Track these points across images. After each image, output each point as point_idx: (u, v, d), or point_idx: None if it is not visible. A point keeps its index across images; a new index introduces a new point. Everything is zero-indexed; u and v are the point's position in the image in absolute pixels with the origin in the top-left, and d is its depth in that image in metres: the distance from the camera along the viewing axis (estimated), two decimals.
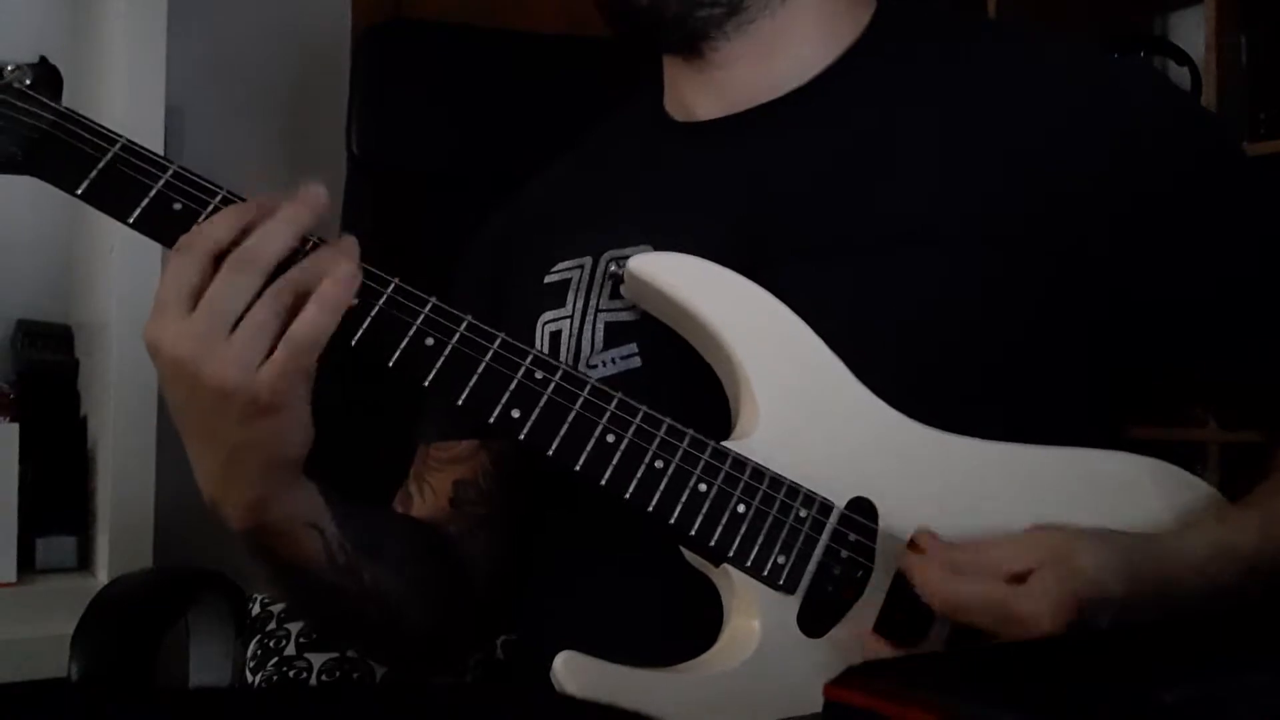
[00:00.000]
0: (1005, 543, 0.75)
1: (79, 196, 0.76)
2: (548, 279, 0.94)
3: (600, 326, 0.89)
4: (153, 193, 0.76)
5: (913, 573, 0.75)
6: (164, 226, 0.75)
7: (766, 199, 0.88)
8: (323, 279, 0.73)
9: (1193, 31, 1.94)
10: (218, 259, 0.72)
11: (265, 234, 0.73)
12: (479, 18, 1.54)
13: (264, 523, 0.77)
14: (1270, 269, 0.86)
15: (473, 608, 0.95)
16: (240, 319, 0.71)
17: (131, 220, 0.76)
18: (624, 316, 0.88)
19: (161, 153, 0.78)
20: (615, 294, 0.89)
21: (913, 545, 0.77)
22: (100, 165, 0.76)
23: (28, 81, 0.80)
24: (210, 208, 0.76)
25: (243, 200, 0.76)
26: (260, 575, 0.83)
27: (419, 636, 0.92)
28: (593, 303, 0.90)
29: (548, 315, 0.92)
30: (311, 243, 0.75)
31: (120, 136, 0.77)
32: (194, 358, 0.71)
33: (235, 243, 0.73)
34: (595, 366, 0.88)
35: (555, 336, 0.91)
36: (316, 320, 0.72)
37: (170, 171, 0.77)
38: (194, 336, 0.71)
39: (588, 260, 0.92)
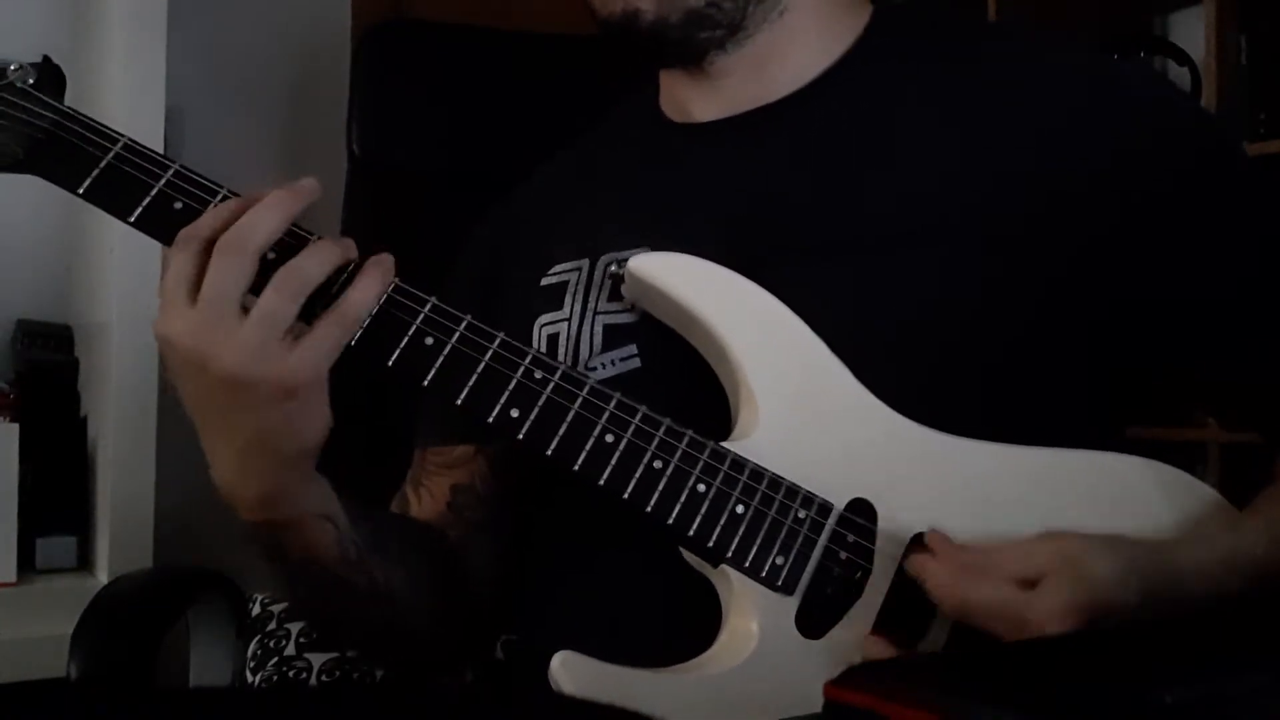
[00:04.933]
0: (1016, 546, 0.74)
1: (80, 195, 0.77)
2: (544, 281, 0.94)
3: (599, 329, 0.89)
4: (154, 192, 0.76)
5: (924, 572, 0.75)
6: (165, 225, 0.76)
7: (765, 199, 0.88)
8: (331, 272, 0.74)
9: (1193, 31, 1.95)
10: (211, 249, 0.73)
11: (252, 218, 0.73)
12: (479, 18, 1.53)
13: (278, 515, 0.78)
14: (1270, 269, 0.86)
15: (472, 612, 0.95)
16: (247, 307, 0.72)
17: (133, 219, 0.76)
18: (622, 319, 0.88)
19: (161, 152, 0.78)
20: (614, 296, 0.89)
21: (921, 545, 0.76)
22: (102, 164, 0.76)
23: (31, 81, 0.80)
24: (211, 207, 0.76)
25: None
26: (268, 571, 0.83)
27: (420, 638, 0.92)
28: (591, 305, 0.90)
29: (545, 318, 0.92)
30: (315, 237, 0.75)
31: (122, 136, 0.78)
32: (201, 348, 0.72)
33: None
34: (595, 369, 0.88)
35: (553, 339, 0.91)
36: (366, 298, 0.74)
37: (171, 171, 0.77)
38: (198, 327, 0.72)
39: (585, 263, 0.92)
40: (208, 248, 0.73)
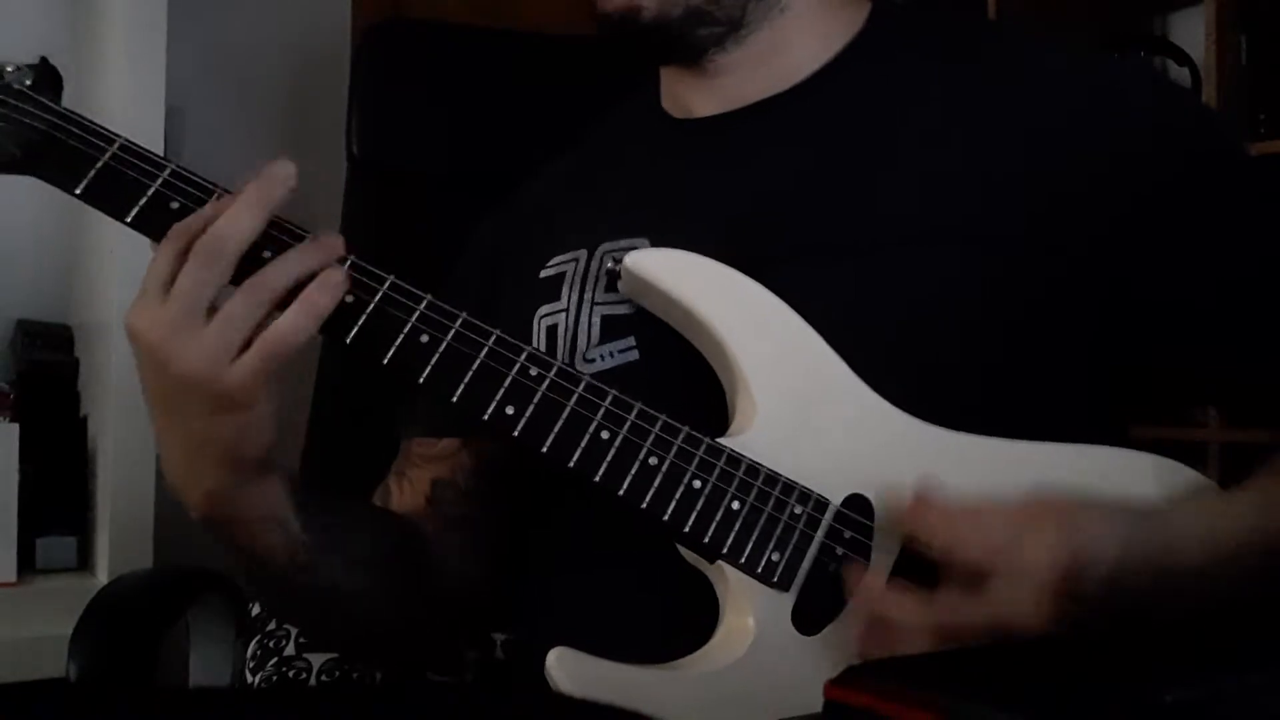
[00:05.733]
0: (1010, 503, 0.74)
1: (77, 196, 0.77)
2: (543, 274, 0.94)
3: (596, 320, 0.89)
4: (150, 192, 0.77)
5: (917, 513, 0.75)
6: (161, 225, 0.76)
7: (765, 196, 0.88)
8: (301, 279, 0.74)
9: (1193, 31, 1.94)
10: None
11: (226, 221, 0.73)
12: (479, 18, 1.54)
13: (222, 513, 0.78)
14: (1271, 267, 0.86)
15: (441, 607, 0.95)
16: (215, 311, 0.72)
17: (129, 219, 0.77)
18: (620, 310, 0.88)
19: (161, 153, 0.78)
20: (611, 287, 0.89)
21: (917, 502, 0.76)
22: (98, 165, 0.77)
23: (28, 82, 0.81)
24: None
25: None
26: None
27: (383, 635, 0.92)
28: (588, 296, 0.90)
29: (544, 309, 0.92)
30: (310, 236, 0.76)
31: (118, 136, 0.78)
32: (164, 345, 0.72)
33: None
34: (593, 360, 0.88)
35: (551, 331, 0.91)
36: (296, 324, 0.73)
37: (168, 170, 0.77)
38: (165, 324, 0.72)
39: (583, 254, 0.92)
40: (189, 247, 0.73)
